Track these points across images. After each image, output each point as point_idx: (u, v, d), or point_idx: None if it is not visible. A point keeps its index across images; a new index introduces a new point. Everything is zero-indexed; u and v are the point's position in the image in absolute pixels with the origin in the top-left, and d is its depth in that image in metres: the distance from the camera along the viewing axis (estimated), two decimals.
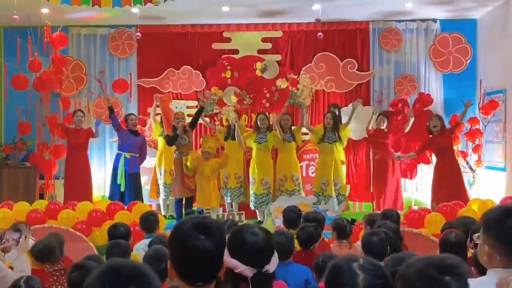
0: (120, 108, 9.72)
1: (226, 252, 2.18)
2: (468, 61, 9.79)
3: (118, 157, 8.84)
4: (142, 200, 8.65)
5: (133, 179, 8.80)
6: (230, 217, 7.37)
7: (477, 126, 9.33)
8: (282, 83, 9.89)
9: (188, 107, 9.91)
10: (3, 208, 7.29)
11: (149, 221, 5.54)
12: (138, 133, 9.06)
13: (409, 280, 1.78)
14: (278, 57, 10.13)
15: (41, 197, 9.19)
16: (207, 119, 9.64)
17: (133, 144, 8.82)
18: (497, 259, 2.20)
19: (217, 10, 9.09)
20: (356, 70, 10.01)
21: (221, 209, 8.79)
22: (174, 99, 9.97)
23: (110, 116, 8.91)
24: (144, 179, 9.34)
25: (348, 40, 10.14)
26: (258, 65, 9.98)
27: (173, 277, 2.01)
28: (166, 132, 8.95)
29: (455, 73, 9.85)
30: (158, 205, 9.46)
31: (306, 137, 9.43)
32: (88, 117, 9.64)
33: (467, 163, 9.37)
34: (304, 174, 9.45)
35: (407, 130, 9.23)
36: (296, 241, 4.33)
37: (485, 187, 9.27)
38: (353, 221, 5.32)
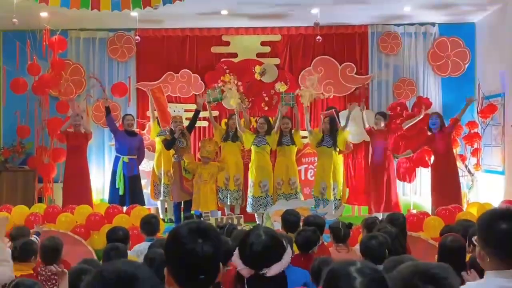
0: (119, 112, 9.71)
1: (236, 252, 2.19)
2: (466, 65, 9.81)
3: (116, 160, 8.82)
4: (143, 203, 8.65)
5: (133, 182, 8.78)
6: (229, 220, 7.37)
7: (475, 130, 9.33)
8: (281, 87, 9.90)
9: (186, 111, 9.91)
10: (2, 211, 7.29)
11: (151, 224, 5.54)
12: (134, 134, 9.04)
13: (394, 285, 1.80)
14: (277, 60, 10.14)
15: (40, 200, 9.19)
16: (215, 113, 9.52)
17: (130, 146, 8.81)
18: (487, 260, 2.25)
19: (216, 14, 9.10)
20: (355, 73, 10.02)
21: (219, 212, 8.78)
22: (173, 102, 9.98)
23: (107, 117, 8.89)
24: (144, 182, 9.33)
25: (347, 44, 10.16)
26: (257, 68, 9.99)
27: (169, 284, 1.98)
28: (162, 127, 8.95)
29: (454, 77, 9.86)
30: (157, 209, 9.45)
31: (306, 140, 9.42)
32: (87, 121, 9.64)
33: (466, 166, 9.38)
34: (302, 178, 9.45)
35: (406, 127, 9.13)
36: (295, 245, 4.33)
37: (483, 191, 9.28)
38: (350, 225, 5.32)
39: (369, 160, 9.45)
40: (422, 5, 8.88)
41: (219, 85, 9.67)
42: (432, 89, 10.01)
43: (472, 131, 9.32)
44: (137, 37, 8.92)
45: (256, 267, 2.21)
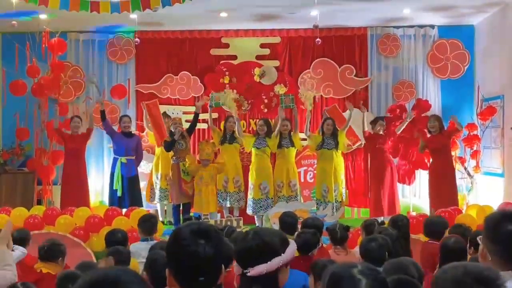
0: (118, 114, 9.69)
1: None
2: (466, 67, 9.82)
3: (114, 161, 8.80)
4: (141, 204, 8.64)
5: (131, 182, 8.76)
6: (228, 223, 7.37)
7: (475, 132, 9.33)
8: (280, 89, 9.91)
9: (184, 113, 9.90)
10: (1, 214, 7.27)
11: (149, 222, 5.55)
12: (131, 135, 9.02)
13: (444, 286, 1.80)
14: (276, 63, 10.14)
15: (39, 202, 9.16)
16: (214, 115, 9.47)
17: (128, 147, 8.77)
18: (488, 259, 2.28)
19: (216, 16, 9.11)
20: (354, 76, 10.02)
21: (219, 214, 8.77)
22: (172, 104, 9.98)
23: (103, 122, 8.85)
24: (142, 184, 9.32)
25: (346, 46, 10.16)
26: (257, 70, 10.00)
27: (171, 285, 1.99)
28: (157, 144, 8.98)
29: (453, 79, 9.87)
30: (156, 211, 9.44)
31: (305, 142, 9.42)
32: (86, 123, 9.62)
33: (465, 168, 9.38)
34: (302, 180, 9.45)
35: (398, 131, 9.12)
36: None
37: (483, 193, 9.27)
38: (347, 227, 5.31)
39: (369, 164, 9.45)
40: (421, 8, 8.89)
41: (224, 91, 9.65)
42: (432, 91, 10.02)
43: (472, 133, 9.32)
44: (137, 39, 8.91)
45: (242, 265, 2.23)
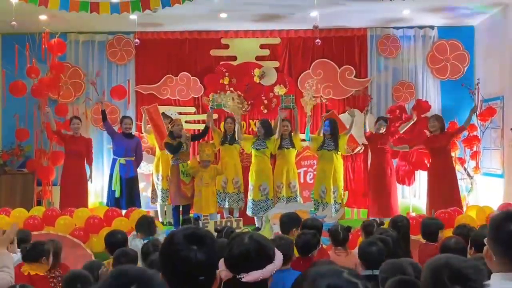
0: (118, 115, 9.69)
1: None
2: (465, 68, 9.82)
3: (113, 162, 8.80)
4: (139, 205, 8.63)
5: (129, 184, 8.75)
6: (228, 223, 7.36)
7: (475, 133, 9.33)
8: (280, 90, 9.91)
9: (180, 114, 9.89)
10: (1, 214, 7.28)
11: (146, 222, 5.56)
12: (132, 136, 9.03)
13: (424, 275, 1.80)
14: (276, 63, 10.14)
15: (39, 203, 9.16)
16: (214, 116, 9.48)
17: (128, 148, 8.77)
18: (493, 259, 2.27)
19: (215, 17, 9.11)
20: (354, 76, 10.03)
21: (219, 215, 8.77)
22: (172, 105, 9.99)
23: (104, 123, 8.86)
24: (142, 185, 9.31)
25: (346, 47, 10.16)
26: (256, 71, 10.00)
27: None
28: (159, 142, 8.95)
29: (453, 80, 9.87)
30: (156, 212, 9.44)
31: (305, 143, 9.41)
32: (86, 124, 9.64)
33: (465, 169, 9.38)
34: (302, 181, 9.44)
35: (402, 131, 9.17)
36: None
37: (483, 194, 9.27)
38: (349, 228, 5.31)
39: (369, 165, 9.45)
40: (421, 8, 8.89)
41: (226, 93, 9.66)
42: (431, 92, 10.02)
43: (471, 134, 9.32)
44: (137, 40, 8.91)
45: (234, 270, 2.18)
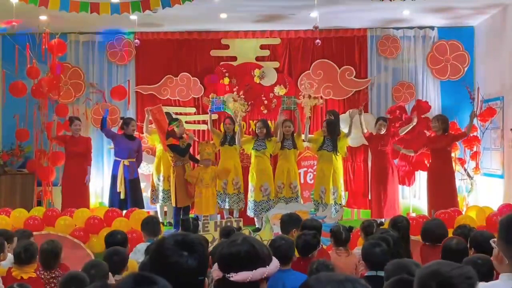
0: (118, 115, 9.69)
1: None
2: (465, 68, 9.82)
3: (116, 164, 8.79)
4: (142, 206, 8.64)
5: (133, 185, 8.76)
6: (228, 224, 7.35)
7: (475, 133, 9.32)
8: (280, 90, 9.92)
9: (179, 114, 9.88)
10: (1, 215, 7.29)
11: (152, 224, 5.57)
12: (134, 137, 9.03)
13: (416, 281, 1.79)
14: (276, 64, 10.14)
15: (39, 204, 9.16)
16: (214, 116, 9.48)
17: (131, 150, 8.79)
18: (505, 262, 2.20)
19: (215, 17, 9.11)
20: (354, 77, 10.03)
21: (219, 216, 8.77)
22: (172, 106, 9.99)
23: (103, 129, 8.85)
24: (143, 186, 9.31)
25: (346, 47, 10.16)
26: (256, 72, 10.00)
27: None
28: (163, 143, 8.93)
29: (453, 80, 9.87)
30: (155, 212, 9.43)
31: (306, 144, 9.40)
32: (86, 124, 9.64)
33: (465, 170, 9.37)
34: (302, 181, 9.44)
35: (402, 133, 9.17)
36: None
37: (483, 194, 9.27)
38: (351, 228, 5.32)
39: (370, 166, 9.44)
40: (421, 9, 8.88)
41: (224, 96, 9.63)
42: (431, 93, 10.02)
43: (471, 135, 9.31)
44: (137, 40, 8.91)
45: (224, 270, 2.18)
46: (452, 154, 8.91)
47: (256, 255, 2.18)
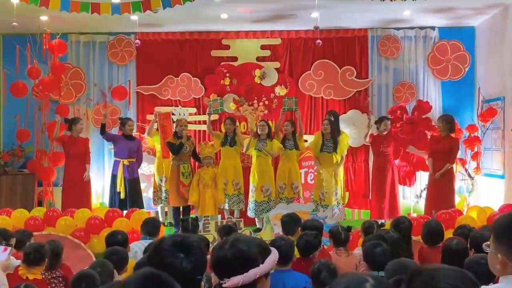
0: (118, 115, 9.68)
1: None
2: (466, 69, 9.81)
3: (116, 164, 8.79)
4: (142, 206, 8.64)
5: (133, 185, 8.76)
6: (229, 223, 7.35)
7: (475, 134, 9.32)
8: (281, 90, 9.92)
9: (190, 114, 9.88)
10: (2, 215, 7.29)
11: (152, 225, 5.58)
12: (133, 138, 9.03)
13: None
14: (277, 64, 10.14)
15: (40, 204, 9.16)
16: (214, 117, 9.52)
17: (130, 150, 8.80)
18: (509, 267, 2.13)
19: (216, 18, 9.10)
20: (355, 77, 10.02)
21: (219, 216, 8.76)
22: (172, 106, 9.98)
23: (102, 134, 8.86)
24: (143, 186, 9.31)
25: (347, 48, 10.16)
26: (257, 72, 10.00)
27: None
28: (163, 156, 8.95)
29: (454, 81, 9.87)
30: (157, 213, 9.43)
31: (307, 144, 9.39)
32: (86, 124, 9.64)
33: (466, 170, 9.37)
34: (302, 181, 9.42)
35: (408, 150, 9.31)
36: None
37: (484, 195, 9.26)
38: (349, 228, 5.31)
39: (371, 166, 9.44)
40: (422, 9, 8.87)
41: (220, 98, 9.60)
42: (432, 93, 10.01)
43: (472, 135, 9.31)
44: (138, 40, 8.92)
45: (217, 275, 2.16)
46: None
47: (244, 258, 2.13)
